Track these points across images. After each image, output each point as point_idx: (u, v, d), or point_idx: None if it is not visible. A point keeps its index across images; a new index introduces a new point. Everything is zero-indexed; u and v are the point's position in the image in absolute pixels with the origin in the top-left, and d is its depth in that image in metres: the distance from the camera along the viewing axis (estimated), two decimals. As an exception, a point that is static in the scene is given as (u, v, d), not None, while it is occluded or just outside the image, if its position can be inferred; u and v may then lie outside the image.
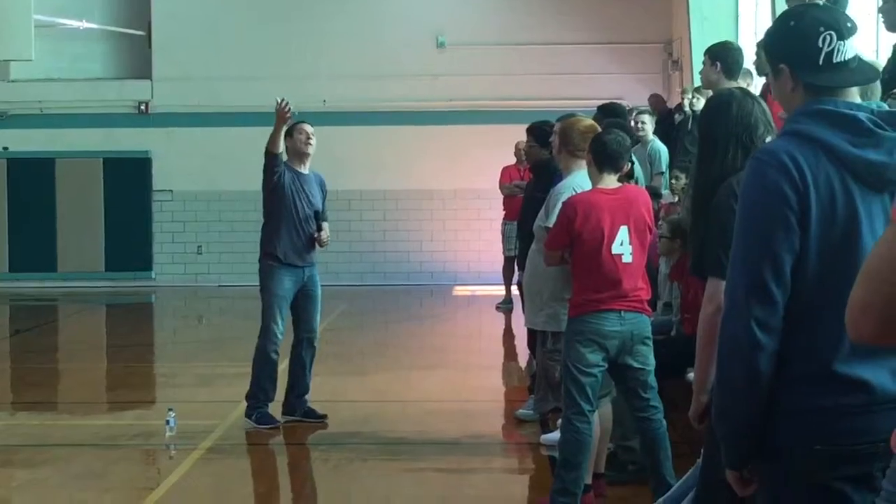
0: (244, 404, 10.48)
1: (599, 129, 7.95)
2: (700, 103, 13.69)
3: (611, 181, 7.33)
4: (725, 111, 5.09)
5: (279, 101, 10.05)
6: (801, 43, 3.54)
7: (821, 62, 3.52)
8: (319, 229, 10.61)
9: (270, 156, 10.31)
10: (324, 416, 10.64)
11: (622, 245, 7.21)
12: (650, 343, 7.44)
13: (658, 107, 16.56)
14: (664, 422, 7.51)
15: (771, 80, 3.73)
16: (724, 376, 3.61)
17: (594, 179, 7.38)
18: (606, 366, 7.31)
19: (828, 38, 3.51)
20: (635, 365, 7.35)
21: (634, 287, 7.29)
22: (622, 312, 7.23)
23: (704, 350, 4.71)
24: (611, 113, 9.49)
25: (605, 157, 7.30)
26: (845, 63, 3.54)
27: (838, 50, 3.52)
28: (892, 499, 2.98)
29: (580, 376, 7.23)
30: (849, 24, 3.57)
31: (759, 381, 3.50)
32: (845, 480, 3.49)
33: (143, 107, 22.93)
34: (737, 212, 3.58)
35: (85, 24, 21.83)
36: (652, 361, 7.43)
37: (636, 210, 7.30)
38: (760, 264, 3.46)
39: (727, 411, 3.63)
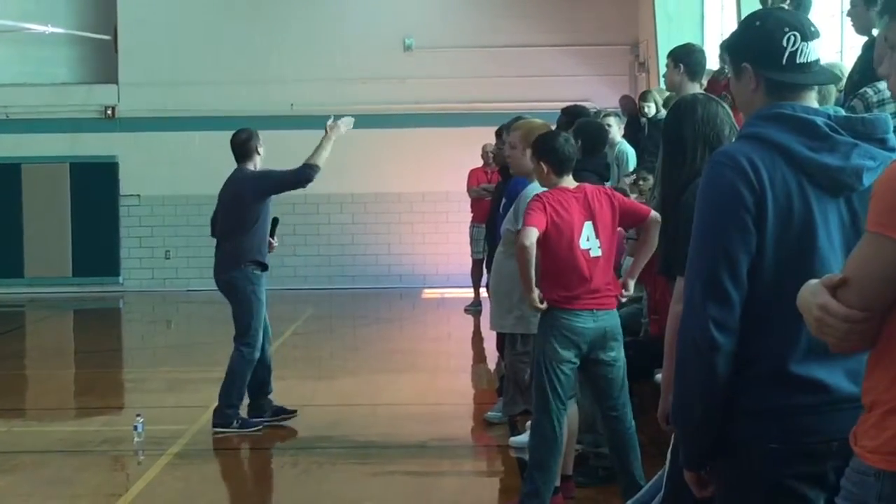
0: (211, 409, 10.49)
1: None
2: (651, 108, 13.82)
3: (569, 181, 7.37)
4: (691, 114, 5.14)
5: (331, 121, 10.66)
6: (765, 42, 3.58)
7: (784, 61, 3.56)
8: (273, 235, 10.62)
9: (317, 170, 10.46)
10: (294, 411, 10.64)
11: (588, 240, 7.23)
12: (621, 339, 7.48)
13: (629, 109, 16.62)
14: (633, 422, 7.53)
15: (733, 81, 3.76)
16: (682, 377, 3.65)
17: (553, 183, 7.38)
18: (578, 363, 7.32)
19: (792, 38, 3.56)
20: (607, 361, 7.37)
21: (606, 283, 7.32)
22: (595, 311, 7.26)
23: (673, 349, 4.72)
24: (576, 115, 9.51)
25: (561, 162, 7.34)
26: (808, 64, 3.59)
27: (802, 51, 3.57)
28: (851, 497, 3.01)
29: (553, 375, 7.24)
30: (812, 28, 3.63)
31: (717, 382, 3.53)
32: (800, 479, 3.54)
33: (109, 111, 22.84)
34: (695, 214, 3.62)
35: (50, 29, 21.73)
36: (623, 358, 7.46)
37: (599, 206, 7.33)
38: (716, 265, 3.50)
39: (685, 412, 3.67)
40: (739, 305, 3.50)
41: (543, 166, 7.39)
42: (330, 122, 10.55)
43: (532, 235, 7.08)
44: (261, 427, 10.40)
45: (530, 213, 7.23)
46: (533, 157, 7.48)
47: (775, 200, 3.46)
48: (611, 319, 7.37)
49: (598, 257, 7.26)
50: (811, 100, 3.61)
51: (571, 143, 7.41)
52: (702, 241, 3.57)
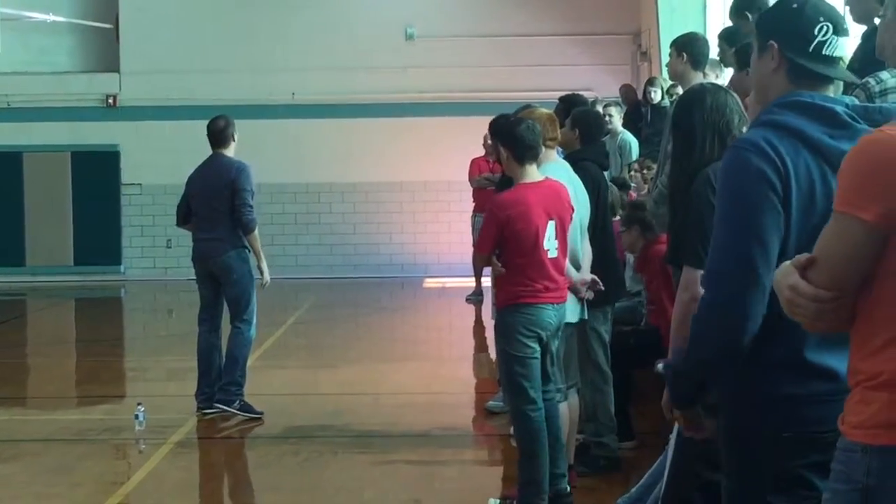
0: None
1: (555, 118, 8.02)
2: (657, 94, 13.82)
3: (533, 171, 7.34)
4: (700, 103, 5.16)
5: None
6: (798, 24, 3.58)
7: (811, 49, 3.56)
8: None
9: (254, 228, 10.56)
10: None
11: (549, 241, 7.24)
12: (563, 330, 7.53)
13: (629, 97, 16.63)
14: (557, 395, 7.56)
15: (753, 58, 3.73)
16: (698, 356, 3.68)
17: (517, 174, 7.37)
18: (540, 350, 7.32)
19: (825, 28, 3.57)
20: (552, 351, 7.40)
21: (561, 278, 7.36)
22: (554, 304, 7.29)
23: (678, 338, 4.73)
24: (573, 103, 9.49)
25: (523, 150, 7.29)
26: (833, 58, 3.59)
27: (830, 43, 3.58)
28: (840, 477, 3.01)
29: (525, 365, 7.24)
30: (845, 25, 3.63)
31: (734, 357, 3.54)
32: (811, 468, 3.54)
33: (111, 100, 22.84)
34: (718, 200, 3.60)
35: (52, 17, 21.73)
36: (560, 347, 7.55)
37: (560, 204, 7.33)
38: (750, 249, 3.47)
39: (697, 361, 3.70)
40: (768, 292, 3.48)
41: (505, 153, 7.41)
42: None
43: (481, 263, 7.47)
44: (262, 414, 10.42)
45: (482, 237, 7.42)
46: (498, 144, 7.50)
47: (798, 187, 3.47)
48: (564, 313, 7.43)
49: (555, 258, 7.29)
50: (829, 93, 3.62)
51: (535, 131, 7.36)
52: (732, 226, 3.53)
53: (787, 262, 3.01)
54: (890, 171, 2.85)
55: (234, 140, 10.68)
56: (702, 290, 3.80)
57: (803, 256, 2.97)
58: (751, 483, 3.62)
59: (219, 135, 10.66)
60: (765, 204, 3.46)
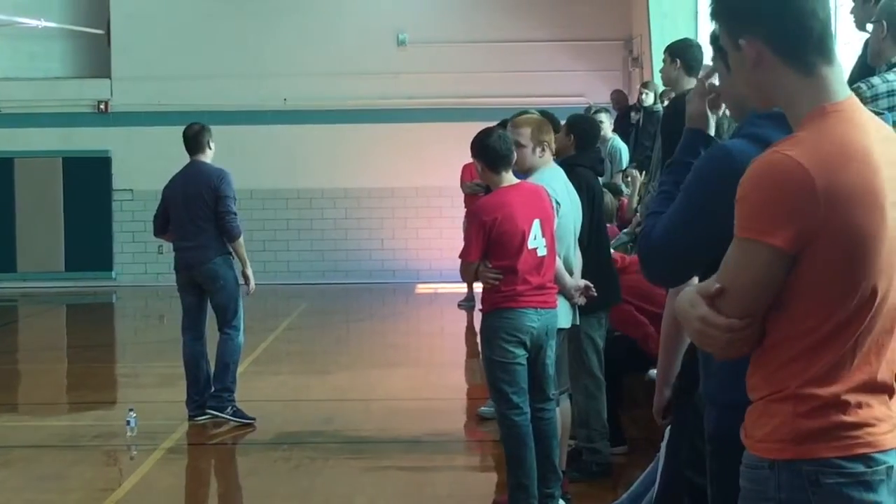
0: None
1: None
2: (649, 98, 13.84)
3: (509, 177, 7.38)
4: (690, 108, 5.13)
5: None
6: None
7: None
8: None
9: (238, 236, 10.52)
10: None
11: (535, 239, 7.24)
12: (555, 338, 7.49)
13: (620, 103, 16.66)
14: (556, 412, 7.52)
15: (722, 76, 3.75)
16: None
17: (494, 182, 7.40)
18: (528, 355, 7.30)
19: None
20: (544, 360, 7.37)
21: (551, 279, 7.34)
22: (538, 309, 7.26)
23: (668, 345, 4.73)
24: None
25: (497, 160, 7.33)
26: None
27: None
28: (751, 495, 3.02)
29: (507, 371, 7.23)
30: None
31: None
32: None
33: (102, 106, 22.81)
34: (681, 189, 3.63)
35: (43, 23, 21.70)
36: (553, 356, 7.49)
37: (542, 203, 7.34)
38: (686, 237, 3.58)
39: None
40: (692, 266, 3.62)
41: (478, 164, 7.43)
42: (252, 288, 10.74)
43: (472, 269, 7.29)
44: (254, 420, 10.41)
45: (468, 244, 7.35)
46: (477, 159, 7.51)
47: None
48: (552, 318, 7.39)
49: (544, 256, 7.28)
50: None
51: (505, 140, 7.39)
52: (679, 214, 3.59)
53: (692, 291, 2.97)
54: (794, 193, 2.81)
55: (210, 147, 10.62)
56: None
57: (710, 286, 2.92)
58: (734, 489, 3.62)
59: (193, 140, 10.61)
60: (710, 205, 3.46)
